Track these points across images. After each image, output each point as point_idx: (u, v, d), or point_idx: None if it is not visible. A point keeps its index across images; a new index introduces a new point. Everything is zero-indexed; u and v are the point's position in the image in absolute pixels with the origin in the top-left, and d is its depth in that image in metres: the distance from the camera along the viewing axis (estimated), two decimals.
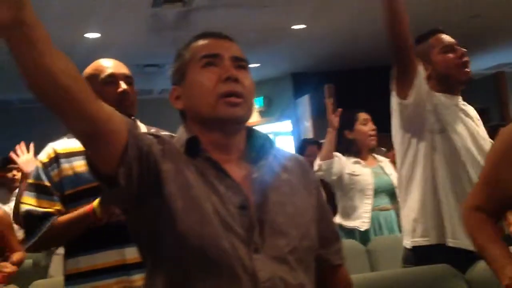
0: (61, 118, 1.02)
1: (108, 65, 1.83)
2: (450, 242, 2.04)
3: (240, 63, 1.24)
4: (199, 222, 1.10)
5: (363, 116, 3.41)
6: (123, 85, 1.77)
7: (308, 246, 1.21)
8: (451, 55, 2.20)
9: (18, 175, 4.14)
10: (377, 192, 3.22)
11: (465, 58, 2.20)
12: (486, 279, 1.63)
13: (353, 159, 3.32)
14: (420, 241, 2.10)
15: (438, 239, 2.07)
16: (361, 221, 3.18)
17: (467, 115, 2.22)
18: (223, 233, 1.10)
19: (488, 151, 1.70)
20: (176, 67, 1.28)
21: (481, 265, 1.81)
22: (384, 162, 3.44)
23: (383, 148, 4.27)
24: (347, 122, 3.38)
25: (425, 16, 4.55)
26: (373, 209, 3.21)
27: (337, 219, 3.32)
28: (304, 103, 8.60)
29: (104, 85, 1.77)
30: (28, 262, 3.76)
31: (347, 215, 3.27)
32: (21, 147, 2.59)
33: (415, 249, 2.12)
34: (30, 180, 1.81)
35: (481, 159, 2.06)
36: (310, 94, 8.39)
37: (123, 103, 1.73)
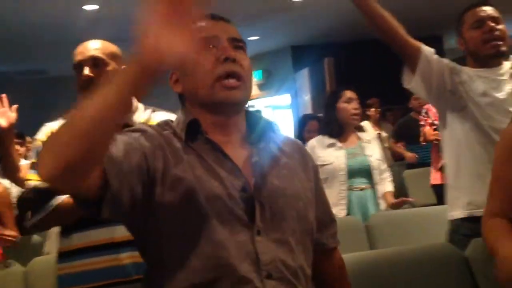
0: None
1: (77, 51, 1.81)
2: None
3: (238, 44, 1.22)
4: (191, 216, 1.09)
5: (348, 94, 3.26)
6: (85, 71, 1.75)
7: (306, 229, 1.21)
8: (477, 31, 2.17)
9: (21, 150, 4.12)
10: (351, 174, 3.14)
11: (495, 32, 2.16)
12: (486, 258, 1.62)
13: (328, 142, 3.21)
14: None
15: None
16: (339, 209, 3.07)
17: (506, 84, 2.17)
18: (221, 222, 1.09)
19: (495, 151, 1.68)
20: None
21: (480, 243, 1.79)
22: (369, 141, 3.30)
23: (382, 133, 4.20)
24: (331, 100, 3.30)
25: None
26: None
27: None
28: (304, 77, 8.55)
29: (76, 73, 1.78)
30: (23, 239, 3.76)
31: None
32: None
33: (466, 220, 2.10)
34: (33, 160, 1.80)
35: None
36: (309, 68, 8.34)
37: (90, 88, 1.70)
